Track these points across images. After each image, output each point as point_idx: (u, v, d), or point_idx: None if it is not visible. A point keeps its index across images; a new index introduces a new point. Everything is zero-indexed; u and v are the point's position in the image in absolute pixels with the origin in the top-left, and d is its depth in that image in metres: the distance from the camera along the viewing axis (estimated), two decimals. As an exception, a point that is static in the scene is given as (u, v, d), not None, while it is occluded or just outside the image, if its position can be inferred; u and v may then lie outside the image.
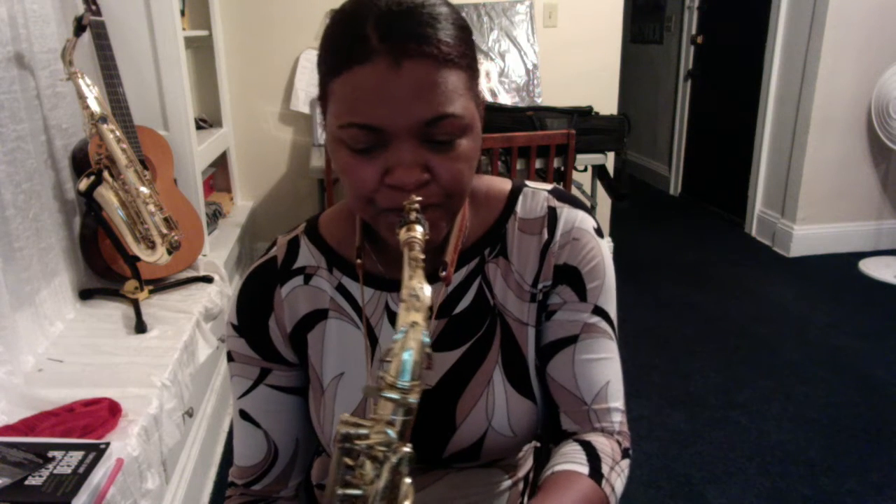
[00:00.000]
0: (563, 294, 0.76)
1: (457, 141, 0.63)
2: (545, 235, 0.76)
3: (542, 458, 0.92)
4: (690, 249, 3.72)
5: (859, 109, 3.31)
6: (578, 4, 3.18)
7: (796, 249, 3.49)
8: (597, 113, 2.68)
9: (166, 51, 2.09)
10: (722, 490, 1.81)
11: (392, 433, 0.51)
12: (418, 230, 0.60)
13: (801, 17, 3.33)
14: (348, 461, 0.52)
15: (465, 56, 0.63)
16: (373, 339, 0.77)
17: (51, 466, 1.04)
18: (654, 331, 2.73)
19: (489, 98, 3.05)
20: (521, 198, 0.79)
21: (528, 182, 0.81)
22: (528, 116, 2.58)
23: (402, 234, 0.60)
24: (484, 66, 3.09)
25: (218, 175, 3.08)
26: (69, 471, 1.03)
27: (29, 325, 1.57)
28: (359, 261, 0.75)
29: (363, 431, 0.51)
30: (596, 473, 0.69)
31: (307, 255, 0.78)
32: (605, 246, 0.78)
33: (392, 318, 0.76)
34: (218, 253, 2.40)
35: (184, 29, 2.30)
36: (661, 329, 2.75)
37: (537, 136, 2.31)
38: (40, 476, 1.02)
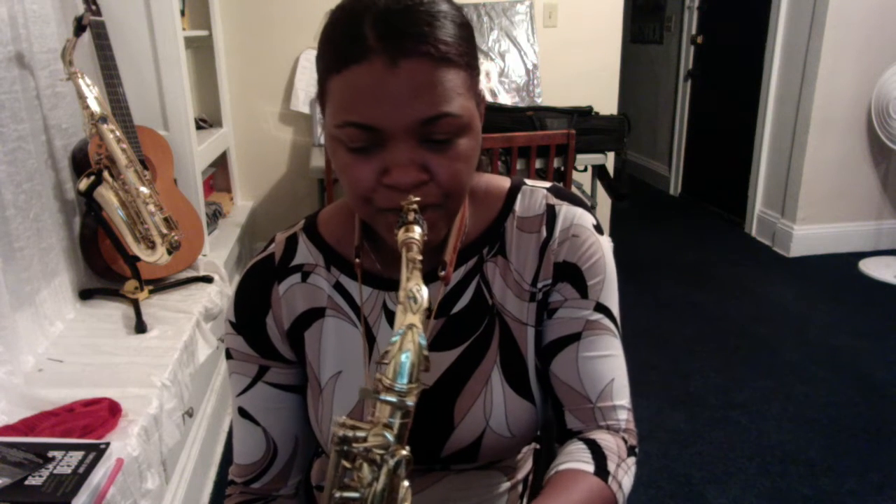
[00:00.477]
0: (563, 292, 0.75)
1: (455, 140, 0.62)
2: (544, 233, 0.76)
3: (542, 461, 0.92)
4: (690, 249, 3.71)
5: (859, 109, 3.31)
6: (578, 4, 3.18)
7: (796, 249, 3.48)
8: (597, 113, 2.68)
9: (166, 51, 2.09)
10: (722, 490, 1.81)
11: (390, 436, 0.50)
12: (416, 231, 0.59)
13: (801, 17, 3.32)
14: (346, 464, 0.52)
15: (465, 54, 0.62)
16: (370, 339, 0.76)
17: (51, 466, 1.04)
18: (654, 331, 2.73)
19: (489, 98, 3.05)
20: (519, 196, 0.78)
21: (526, 180, 0.80)
22: (528, 116, 2.58)
23: (400, 235, 0.59)
24: (484, 66, 3.09)
25: (218, 175, 3.08)
26: (69, 471, 1.03)
27: (29, 325, 1.57)
28: (357, 260, 0.74)
29: (361, 434, 0.51)
30: (602, 471, 0.68)
31: (305, 253, 0.78)
32: (606, 242, 0.77)
33: (390, 317, 0.76)
34: (218, 253, 2.40)
35: (184, 29, 2.30)
36: (661, 329, 2.75)
37: (537, 136, 2.31)
38: (40, 476, 1.02)
